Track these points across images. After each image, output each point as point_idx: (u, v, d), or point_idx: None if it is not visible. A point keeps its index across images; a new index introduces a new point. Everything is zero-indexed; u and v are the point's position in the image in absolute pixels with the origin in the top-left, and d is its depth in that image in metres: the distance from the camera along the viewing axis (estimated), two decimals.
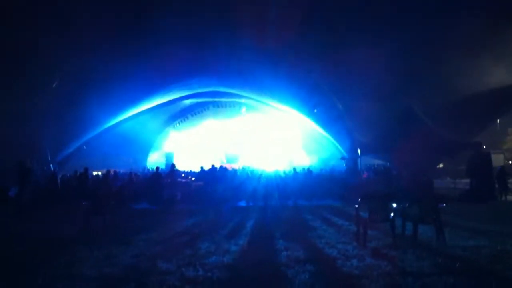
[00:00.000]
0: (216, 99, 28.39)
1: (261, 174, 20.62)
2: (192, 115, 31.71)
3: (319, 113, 21.35)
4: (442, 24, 12.86)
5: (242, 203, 17.83)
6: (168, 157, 32.94)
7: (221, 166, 20.14)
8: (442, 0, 12.16)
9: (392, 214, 8.40)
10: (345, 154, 23.10)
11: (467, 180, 18.50)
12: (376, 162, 24.52)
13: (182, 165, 31.91)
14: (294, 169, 21.34)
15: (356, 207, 8.89)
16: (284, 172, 21.85)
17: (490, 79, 15.90)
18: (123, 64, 17.30)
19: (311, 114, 22.79)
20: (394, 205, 8.70)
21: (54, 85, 16.76)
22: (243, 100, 27.86)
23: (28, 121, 16.94)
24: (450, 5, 12.09)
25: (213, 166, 20.18)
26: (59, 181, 17.11)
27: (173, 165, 20.07)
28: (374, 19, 13.10)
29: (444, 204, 8.52)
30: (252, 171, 21.53)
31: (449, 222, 8.52)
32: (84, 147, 22.62)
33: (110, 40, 15.39)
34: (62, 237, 10.17)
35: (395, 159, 19.89)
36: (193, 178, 21.67)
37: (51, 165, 18.87)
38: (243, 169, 22.63)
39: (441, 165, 20.91)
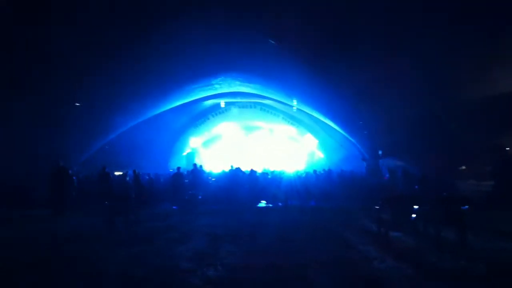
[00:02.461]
0: (238, 100, 28.39)
1: (281, 175, 20.62)
2: (213, 116, 31.76)
3: (341, 115, 21.22)
4: (467, 26, 12.65)
5: (263, 204, 17.86)
6: (190, 157, 33.13)
7: (238, 168, 20.12)
8: (469, 6, 11.96)
9: (414, 216, 8.34)
10: (366, 155, 22.93)
11: (491, 183, 18.18)
12: (398, 163, 24.26)
13: (203, 166, 32.07)
14: (315, 170, 21.28)
15: (377, 209, 8.83)
16: (305, 173, 21.79)
17: None
18: (146, 65, 17.47)
19: (330, 115, 22.70)
20: (417, 207, 8.63)
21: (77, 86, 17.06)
22: (266, 101, 27.81)
23: (54, 124, 17.28)
24: (476, 10, 11.90)
25: (232, 166, 20.26)
26: (75, 182, 17.29)
27: (195, 165, 20.19)
28: (400, 24, 12.97)
29: (467, 206, 8.39)
30: (272, 172, 21.53)
31: (472, 224, 8.39)
32: (107, 147, 22.89)
33: (133, 40, 15.52)
34: (86, 236, 10.35)
35: (417, 161, 19.63)
36: (213, 179, 21.79)
37: (74, 167, 19.13)
38: (264, 170, 22.67)
39: (464, 167, 20.53)
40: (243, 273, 6.49)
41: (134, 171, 18.21)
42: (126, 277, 6.27)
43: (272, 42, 15.83)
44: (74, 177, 16.82)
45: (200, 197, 17.53)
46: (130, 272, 6.56)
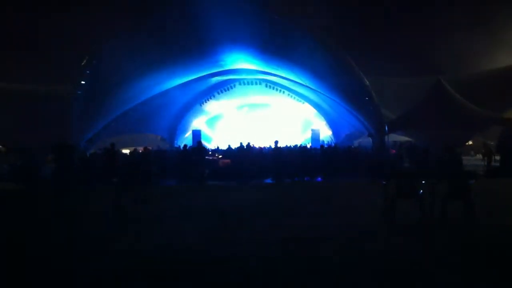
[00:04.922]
0: (243, 76, 28.20)
1: (287, 151, 20.62)
2: (218, 93, 31.59)
3: (345, 90, 21.08)
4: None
5: (269, 180, 17.95)
6: (196, 134, 33.17)
7: (248, 144, 20.22)
8: None
9: (421, 191, 8.35)
10: (372, 131, 22.89)
11: (497, 157, 18.21)
12: (404, 138, 24.17)
13: (209, 143, 32.13)
14: (322, 146, 21.29)
15: (384, 184, 8.84)
16: (312, 149, 21.82)
17: None
18: (152, 41, 17.41)
19: (336, 92, 22.57)
20: (423, 182, 8.65)
21: (83, 63, 17.05)
22: (271, 78, 27.57)
23: (58, 101, 17.33)
24: None
25: (241, 144, 20.32)
26: (76, 159, 17.40)
27: (199, 143, 20.26)
28: None
29: (474, 181, 8.40)
30: (278, 149, 21.54)
31: (478, 199, 8.40)
32: (112, 125, 22.90)
33: (137, 17, 15.45)
34: (93, 214, 10.45)
35: (423, 136, 19.58)
36: (220, 156, 21.86)
37: (80, 144, 19.20)
38: (270, 146, 22.72)
39: (470, 142, 20.47)
40: (250, 248, 6.55)
41: (145, 148, 18.28)
42: (132, 255, 6.33)
43: (277, 18, 15.70)
44: (75, 154, 16.99)
45: (206, 174, 17.64)
46: (136, 250, 6.63)
